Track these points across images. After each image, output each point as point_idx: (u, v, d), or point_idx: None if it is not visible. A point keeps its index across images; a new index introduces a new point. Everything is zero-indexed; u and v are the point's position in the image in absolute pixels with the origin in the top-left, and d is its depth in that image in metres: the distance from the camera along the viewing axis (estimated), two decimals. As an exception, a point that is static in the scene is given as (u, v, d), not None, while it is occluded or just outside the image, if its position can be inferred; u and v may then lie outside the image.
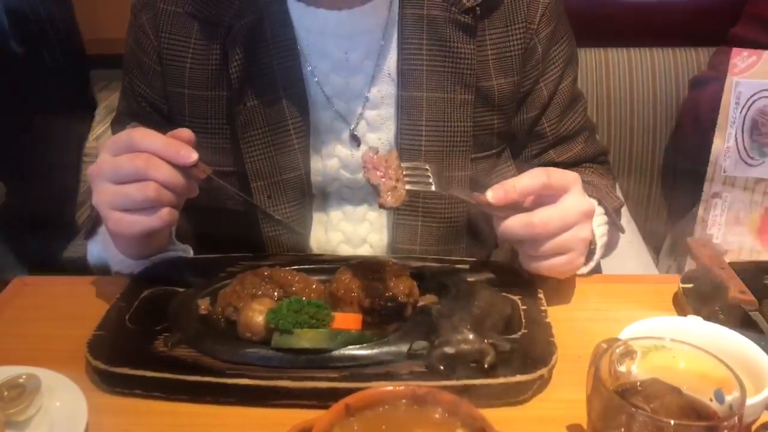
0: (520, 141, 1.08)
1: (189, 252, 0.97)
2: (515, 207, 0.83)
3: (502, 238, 0.85)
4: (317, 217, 1.04)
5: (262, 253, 1.01)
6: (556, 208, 0.83)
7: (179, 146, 0.82)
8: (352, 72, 0.99)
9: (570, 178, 0.85)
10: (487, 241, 1.09)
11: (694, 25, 1.56)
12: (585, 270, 0.95)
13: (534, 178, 0.83)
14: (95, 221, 0.98)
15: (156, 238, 0.90)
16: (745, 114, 1.15)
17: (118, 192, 0.81)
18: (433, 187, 0.83)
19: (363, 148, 1.00)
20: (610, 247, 1.00)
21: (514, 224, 0.83)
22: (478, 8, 0.96)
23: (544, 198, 0.83)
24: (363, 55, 0.99)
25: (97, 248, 0.99)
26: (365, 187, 1.01)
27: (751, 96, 1.15)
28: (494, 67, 1.00)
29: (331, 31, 0.97)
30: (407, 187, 0.81)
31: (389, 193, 0.80)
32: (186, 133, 0.84)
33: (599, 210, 1.00)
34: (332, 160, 1.01)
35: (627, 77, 1.54)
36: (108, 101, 4.69)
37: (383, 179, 0.80)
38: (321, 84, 0.99)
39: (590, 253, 0.93)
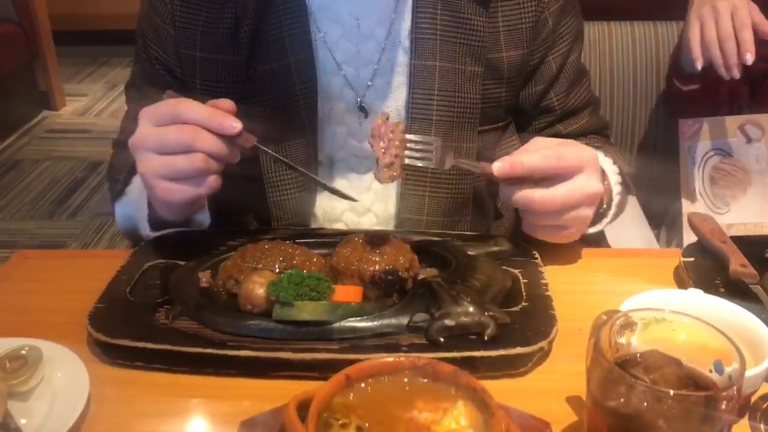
0: (527, 114, 1.08)
1: (207, 221, 0.98)
2: (522, 179, 0.84)
3: (503, 202, 0.87)
4: None
5: (264, 227, 1.01)
6: (560, 189, 0.83)
7: (223, 117, 0.83)
8: (364, 38, 0.99)
9: (584, 158, 0.84)
10: (490, 213, 1.09)
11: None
12: (593, 230, 0.96)
13: (544, 159, 0.83)
14: (124, 183, 1.00)
15: (199, 202, 0.92)
16: (703, 172, 1.35)
17: (166, 163, 0.83)
18: (430, 163, 0.84)
19: (371, 117, 1.00)
20: (620, 207, 1.01)
21: (514, 195, 0.84)
22: None
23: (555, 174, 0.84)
24: (375, 23, 0.99)
25: (129, 208, 1.00)
26: (372, 156, 1.02)
27: (703, 156, 1.35)
28: (505, 39, 1.00)
29: None
30: (406, 161, 0.82)
31: (385, 168, 0.82)
32: (227, 103, 0.85)
33: (614, 169, 1.01)
34: (341, 127, 1.01)
35: (630, 50, 1.53)
36: (108, 77, 4.68)
37: (383, 152, 0.81)
38: (332, 50, 0.99)
39: (603, 214, 0.95)
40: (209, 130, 0.82)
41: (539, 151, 0.84)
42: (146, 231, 0.96)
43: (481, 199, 1.05)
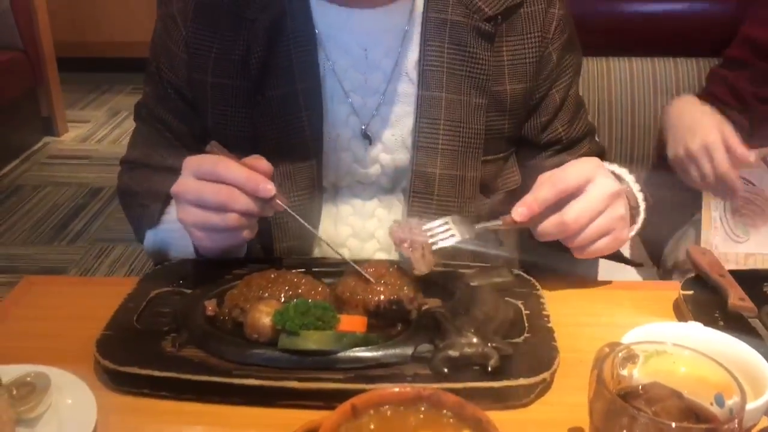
0: (533, 145, 1.10)
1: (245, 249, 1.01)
2: (543, 213, 0.87)
3: (542, 240, 0.89)
4: (327, 210, 1.06)
5: (269, 256, 1.02)
6: (583, 200, 0.87)
7: (259, 180, 0.87)
8: (371, 69, 1.02)
9: (587, 168, 0.88)
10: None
11: (695, 36, 1.58)
12: (631, 233, 0.98)
13: (551, 187, 0.87)
14: (160, 213, 1.04)
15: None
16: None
17: (202, 217, 0.88)
18: (458, 237, 0.87)
19: (375, 144, 1.03)
20: (646, 202, 1.04)
21: (548, 228, 0.88)
22: (499, 17, 1.00)
23: (570, 194, 0.87)
24: (382, 54, 1.01)
25: (168, 236, 1.03)
26: (377, 183, 1.05)
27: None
28: (509, 73, 1.03)
29: (351, 28, 1.00)
30: (434, 248, 0.86)
31: (420, 260, 0.85)
32: (265, 164, 0.89)
33: (631, 177, 1.04)
34: (346, 153, 1.04)
35: (629, 86, 1.56)
36: (111, 104, 4.71)
37: (411, 250, 0.85)
38: (340, 79, 1.01)
39: (635, 213, 0.98)
40: (245, 191, 0.86)
41: (545, 183, 0.88)
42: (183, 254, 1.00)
43: None
